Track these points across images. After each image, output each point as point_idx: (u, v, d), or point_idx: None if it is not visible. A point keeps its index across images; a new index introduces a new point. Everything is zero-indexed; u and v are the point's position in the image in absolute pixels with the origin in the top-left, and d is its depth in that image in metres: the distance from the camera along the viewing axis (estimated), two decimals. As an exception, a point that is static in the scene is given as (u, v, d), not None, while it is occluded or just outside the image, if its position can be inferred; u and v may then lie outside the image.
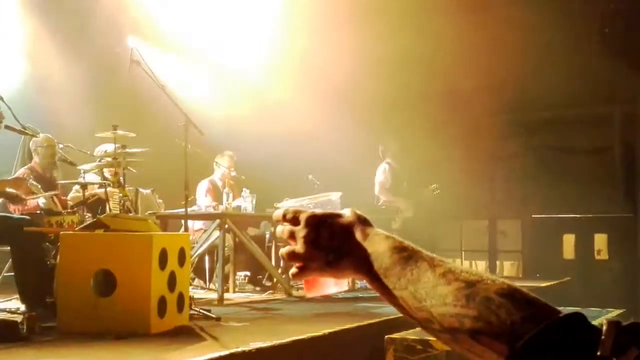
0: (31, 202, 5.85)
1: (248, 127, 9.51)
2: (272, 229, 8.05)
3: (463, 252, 10.39)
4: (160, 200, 7.25)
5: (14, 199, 5.51)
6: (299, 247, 1.17)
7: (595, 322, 3.34)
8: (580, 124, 10.50)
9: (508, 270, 10.46)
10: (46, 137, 6.19)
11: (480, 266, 10.61)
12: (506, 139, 10.91)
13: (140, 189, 7.02)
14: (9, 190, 5.39)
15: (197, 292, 6.79)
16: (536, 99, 10.21)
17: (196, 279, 7.62)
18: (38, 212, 5.56)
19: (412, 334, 4.28)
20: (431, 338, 4.10)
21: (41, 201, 5.77)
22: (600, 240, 10.06)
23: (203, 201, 7.86)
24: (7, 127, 5.20)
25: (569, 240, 10.23)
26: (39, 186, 5.69)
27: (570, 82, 9.71)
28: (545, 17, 9.30)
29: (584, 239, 10.14)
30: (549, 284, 8.88)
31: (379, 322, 5.01)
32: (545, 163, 10.74)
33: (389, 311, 5.61)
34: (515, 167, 11.03)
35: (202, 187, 8.02)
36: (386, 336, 4.21)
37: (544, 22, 9.28)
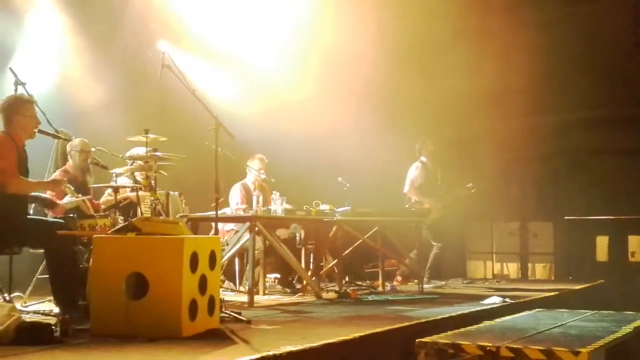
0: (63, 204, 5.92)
1: (278, 129, 9.52)
2: (302, 231, 8.05)
3: (494, 255, 10.29)
4: (186, 206, 7.28)
5: (49, 205, 5.58)
6: None
7: (631, 326, 3.30)
8: (614, 125, 10.34)
9: (540, 273, 10.35)
10: (82, 141, 6.27)
11: (511, 268, 10.52)
12: (538, 140, 10.79)
13: (170, 192, 7.07)
14: (44, 195, 5.47)
15: (227, 295, 6.82)
16: (569, 100, 10.09)
17: (226, 282, 7.65)
18: (71, 215, 5.62)
19: (443, 337, 4.25)
20: (463, 342, 4.07)
21: (66, 200, 5.81)
22: (634, 242, 9.92)
23: (236, 205, 7.90)
24: (40, 131, 5.29)
25: (602, 242, 10.09)
26: (72, 188, 5.76)
27: (604, 83, 9.61)
28: (579, 18, 9.21)
29: (617, 240, 10.00)
30: (581, 286, 8.76)
31: (410, 325, 4.98)
32: (577, 164, 10.61)
33: (421, 314, 5.60)
34: (548, 169, 10.91)
35: (235, 190, 8.06)
36: (417, 339, 4.18)
37: (578, 23, 9.19)
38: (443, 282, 8.68)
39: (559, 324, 4.97)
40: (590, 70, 9.61)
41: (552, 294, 7.75)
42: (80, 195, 5.87)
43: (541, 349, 3.86)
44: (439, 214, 8.83)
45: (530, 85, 9.88)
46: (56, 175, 6.30)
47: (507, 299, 6.74)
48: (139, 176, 6.35)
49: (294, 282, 7.79)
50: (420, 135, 9.24)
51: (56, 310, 4.93)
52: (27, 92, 5.87)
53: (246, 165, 8.07)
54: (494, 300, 6.65)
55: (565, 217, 10.40)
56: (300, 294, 7.30)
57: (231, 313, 5.09)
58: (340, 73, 9.68)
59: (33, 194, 5.36)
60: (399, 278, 8.84)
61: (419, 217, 8.29)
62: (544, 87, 10.12)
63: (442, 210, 8.88)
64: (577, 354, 3.77)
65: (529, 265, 10.41)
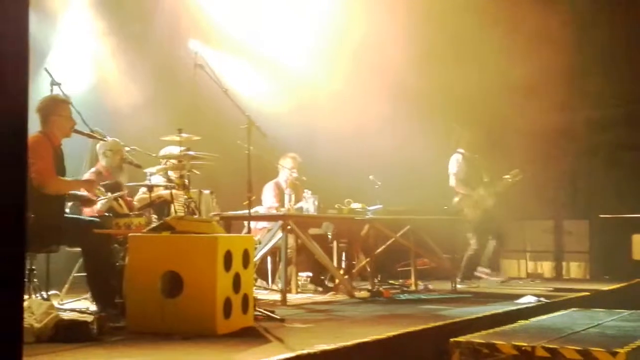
0: (95, 209, 5.99)
1: (309, 126, 9.53)
2: (333, 229, 8.05)
3: (528, 254, 10.18)
4: (217, 205, 7.31)
5: (86, 202, 5.66)
6: None
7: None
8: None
9: (575, 272, 10.22)
10: (114, 141, 6.33)
11: (546, 267, 10.40)
12: (573, 137, 10.66)
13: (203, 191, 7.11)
14: (80, 193, 5.54)
15: (259, 293, 6.85)
16: (605, 95, 9.95)
17: (259, 280, 7.68)
18: (107, 214, 5.69)
19: (477, 337, 4.22)
20: (498, 341, 4.03)
21: (100, 203, 5.88)
22: (671, 240, 9.76)
23: (268, 203, 7.94)
24: (76, 131, 5.36)
25: (638, 240, 9.94)
26: (102, 189, 5.83)
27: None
28: (616, 11, 9.06)
29: (653, 238, 9.84)
30: (617, 286, 8.63)
31: (444, 324, 4.95)
32: (612, 161, 10.46)
33: (454, 313, 5.56)
34: (583, 165, 10.78)
35: (268, 189, 8.10)
36: (451, 339, 4.15)
37: (615, 16, 9.04)
38: (475, 284, 8.52)
39: (596, 323, 4.91)
40: (627, 64, 9.46)
41: (588, 293, 7.66)
42: (109, 194, 5.92)
43: (578, 349, 3.82)
44: (490, 203, 8.70)
45: (565, 79, 9.75)
46: (87, 175, 6.38)
47: (542, 299, 6.67)
48: (172, 175, 6.40)
49: (326, 281, 7.79)
50: (455, 126, 9.09)
51: (93, 308, 5.00)
52: (63, 93, 5.95)
53: (278, 164, 8.10)
54: (529, 300, 6.59)
55: (601, 215, 10.27)
56: (332, 292, 7.31)
57: (264, 311, 5.11)
58: (372, 68, 9.64)
59: (70, 192, 5.43)
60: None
61: (452, 216, 8.21)
62: (579, 81, 9.98)
63: (492, 200, 8.72)
64: (614, 354, 3.72)
65: (564, 264, 10.28)
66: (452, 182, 8.78)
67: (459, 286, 8.24)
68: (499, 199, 8.82)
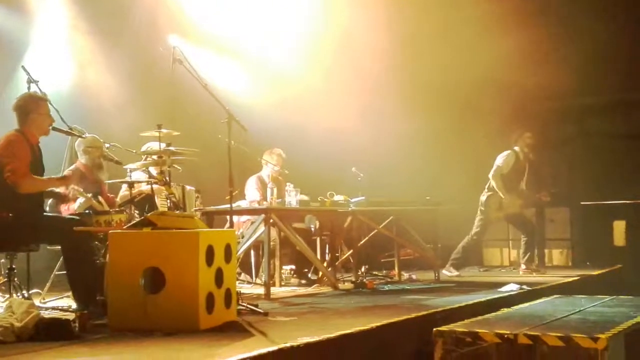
0: (72, 206, 5.94)
1: (290, 120, 9.51)
2: (317, 222, 8.05)
3: (510, 242, 10.24)
4: (201, 204, 7.28)
5: (64, 198, 5.62)
6: None
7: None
8: (630, 109, 10.26)
9: (557, 259, 10.29)
10: (93, 137, 6.27)
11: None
12: (553, 125, 10.72)
13: (187, 186, 7.09)
14: (57, 190, 5.50)
15: (243, 287, 6.84)
16: (584, 85, 10.01)
17: (242, 274, 7.68)
18: (87, 211, 5.65)
19: (460, 326, 4.25)
20: (480, 330, 4.06)
21: (78, 202, 5.84)
22: (652, 226, 9.86)
23: (252, 196, 7.93)
24: (54, 128, 5.32)
25: (619, 227, 10.03)
26: (81, 190, 5.78)
27: (620, 67, 9.51)
28: (593, 3, 9.11)
29: (634, 225, 9.94)
30: (599, 272, 8.72)
31: (427, 314, 4.98)
32: (593, 149, 10.53)
33: (438, 303, 5.59)
34: (563, 154, 10.84)
35: (251, 183, 8.09)
36: (434, 328, 4.18)
37: (594, 8, 9.09)
38: (456, 273, 8.53)
39: (577, 310, 4.95)
40: (606, 54, 9.52)
41: (570, 280, 7.72)
42: (89, 194, 5.88)
43: (559, 336, 3.85)
44: (515, 211, 8.72)
45: (545, 70, 9.80)
46: (65, 172, 6.31)
47: (525, 286, 6.72)
48: (153, 171, 6.37)
49: (310, 273, 7.80)
50: (518, 127, 9.00)
51: (74, 306, 4.97)
52: (40, 90, 5.89)
53: (262, 158, 8.08)
54: (511, 288, 6.63)
55: (582, 202, 10.34)
56: (316, 285, 7.32)
57: (248, 305, 5.11)
58: (352, 63, 9.65)
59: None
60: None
61: (433, 206, 8.23)
62: (559, 72, 10.02)
63: (518, 209, 8.73)
64: (596, 340, 3.75)
65: (546, 251, 10.35)
66: (492, 173, 8.68)
67: (448, 273, 8.29)
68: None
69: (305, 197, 7.08)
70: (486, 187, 8.72)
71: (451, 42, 9.60)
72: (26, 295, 5.28)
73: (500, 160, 8.73)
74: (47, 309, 5.17)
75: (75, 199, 5.82)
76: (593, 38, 9.59)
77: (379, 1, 9.18)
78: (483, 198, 8.68)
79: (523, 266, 8.69)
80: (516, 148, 8.80)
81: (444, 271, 8.38)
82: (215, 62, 9.81)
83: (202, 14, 9.46)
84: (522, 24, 9.33)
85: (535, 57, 9.64)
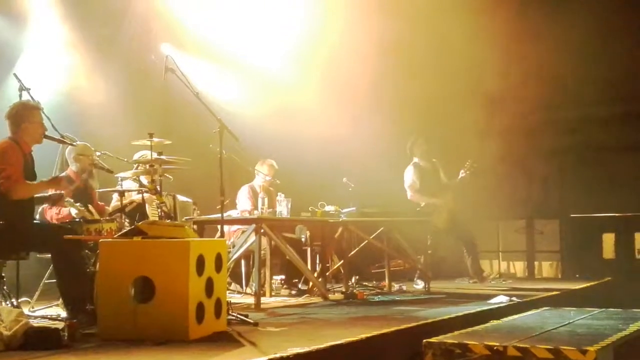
0: (63, 212, 5.93)
1: (282, 131, 9.51)
2: (308, 232, 8.05)
3: (500, 253, 10.27)
4: (195, 214, 7.29)
5: (55, 202, 5.61)
6: None
7: (638, 324, 3.30)
8: (620, 122, 10.33)
9: (547, 271, 10.33)
10: (84, 145, 6.26)
11: (518, 267, 10.50)
12: (544, 138, 10.77)
13: (179, 196, 7.10)
14: (48, 193, 5.48)
15: (233, 297, 6.83)
16: (575, 96, 10.07)
17: (233, 284, 7.66)
18: (77, 219, 5.64)
19: (450, 337, 4.25)
20: (470, 341, 4.06)
21: (73, 212, 5.84)
22: (641, 239, 9.91)
23: (243, 206, 7.93)
24: (46, 136, 5.31)
25: (608, 240, 10.08)
26: (72, 200, 5.77)
27: (610, 80, 9.58)
28: (585, 14, 9.17)
29: (624, 238, 9.99)
30: (588, 284, 8.74)
31: (417, 325, 4.98)
32: (583, 161, 10.59)
33: (428, 314, 5.59)
34: (554, 166, 10.89)
35: (243, 192, 8.09)
36: (424, 340, 4.18)
37: (584, 19, 9.15)
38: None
39: (566, 322, 4.97)
40: (596, 67, 9.59)
41: (559, 292, 7.75)
42: (79, 204, 5.87)
43: (548, 348, 3.86)
44: (451, 206, 8.73)
45: (535, 82, 9.86)
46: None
47: (514, 298, 6.73)
48: (144, 180, 6.36)
49: (300, 283, 7.80)
50: (409, 136, 9.05)
51: (63, 314, 4.95)
52: (32, 98, 5.88)
53: (254, 168, 8.09)
54: (501, 300, 6.65)
55: (572, 215, 10.39)
56: (306, 295, 7.31)
57: (238, 315, 5.10)
58: (344, 75, 9.68)
59: (38, 195, 5.37)
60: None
61: (425, 217, 8.25)
62: (549, 84, 10.09)
63: (453, 201, 8.75)
64: (584, 352, 3.77)
65: (536, 263, 10.39)
66: (409, 195, 8.79)
67: (415, 286, 8.27)
68: (467, 201, 8.87)
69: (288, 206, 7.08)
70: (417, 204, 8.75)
71: (443, 53, 9.65)
72: (15, 303, 5.24)
73: (407, 179, 8.80)
74: (36, 317, 5.14)
75: (65, 202, 5.80)
76: (583, 50, 9.67)
77: (372, 12, 9.22)
78: (418, 210, 8.65)
79: (473, 280, 8.74)
80: (415, 159, 8.86)
81: (414, 284, 8.47)
82: (207, 71, 9.81)
83: (195, 23, 9.46)
84: (513, 36, 9.39)
85: (526, 68, 9.70)
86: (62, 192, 5.55)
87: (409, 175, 8.81)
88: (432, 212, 8.58)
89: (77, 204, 5.77)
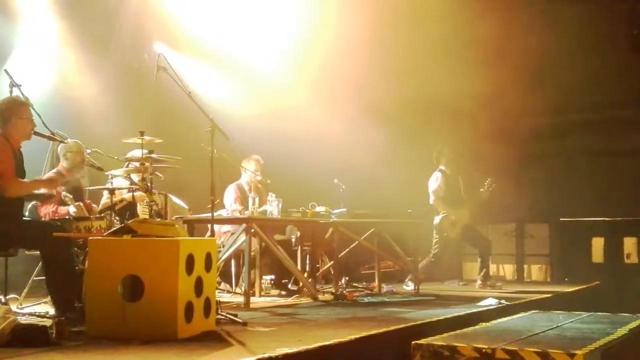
0: (62, 209, 5.92)
1: (274, 131, 9.52)
2: (298, 233, 8.05)
3: (490, 257, 10.28)
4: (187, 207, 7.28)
5: (45, 200, 5.59)
6: None
7: (626, 328, 3.31)
8: (609, 127, 10.37)
9: (536, 275, 10.36)
10: (75, 142, 6.25)
11: (507, 270, 10.53)
12: (534, 142, 10.81)
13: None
14: (40, 192, 5.46)
15: (223, 296, 6.82)
16: (565, 102, 10.11)
17: (222, 283, 7.65)
18: (67, 217, 5.62)
19: (439, 339, 4.26)
20: (459, 344, 4.07)
21: (72, 210, 5.84)
22: (630, 244, 9.95)
23: (230, 206, 7.90)
24: (36, 133, 5.29)
25: (597, 244, 10.12)
26: (71, 196, 5.75)
27: (600, 85, 9.62)
28: (575, 19, 9.21)
29: (613, 242, 10.04)
30: (577, 288, 8.78)
31: (406, 327, 4.99)
32: (573, 166, 10.63)
33: (417, 316, 5.60)
34: (543, 170, 10.93)
35: (230, 191, 8.05)
36: (413, 342, 4.19)
37: (574, 24, 9.19)
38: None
39: (555, 325, 4.98)
40: (586, 72, 9.62)
41: (548, 295, 7.77)
42: (75, 202, 5.86)
43: (537, 351, 3.87)
44: (467, 221, 8.75)
45: (524, 86, 9.89)
46: (50, 175, 6.28)
47: (503, 301, 6.75)
48: (135, 178, 6.35)
49: (290, 284, 7.79)
50: (437, 144, 9.06)
51: (52, 312, 4.93)
52: (23, 94, 5.85)
53: (241, 166, 8.07)
54: (490, 302, 6.66)
55: (561, 219, 10.43)
56: (296, 295, 7.31)
57: (227, 315, 5.09)
58: (336, 76, 9.68)
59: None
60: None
61: (416, 219, 8.26)
62: (538, 88, 10.13)
63: (470, 216, 8.76)
64: (572, 356, 3.78)
65: (525, 266, 10.42)
66: (432, 200, 8.80)
67: (405, 287, 8.28)
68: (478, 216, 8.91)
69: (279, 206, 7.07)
70: (436, 210, 8.78)
71: (435, 57, 9.67)
72: (3, 300, 5.23)
73: (432, 185, 8.81)
74: (24, 314, 5.12)
75: (59, 200, 5.79)
76: (573, 56, 9.71)
77: (366, 14, 9.22)
78: (436, 221, 8.72)
79: (479, 282, 8.77)
80: (442, 167, 8.87)
81: (404, 286, 8.47)
82: (200, 71, 9.79)
83: (188, 22, 9.45)
84: (502, 43, 9.41)
85: (516, 74, 9.73)
86: (53, 192, 5.53)
87: (436, 181, 8.81)
88: (446, 226, 8.65)
89: (77, 203, 5.77)
